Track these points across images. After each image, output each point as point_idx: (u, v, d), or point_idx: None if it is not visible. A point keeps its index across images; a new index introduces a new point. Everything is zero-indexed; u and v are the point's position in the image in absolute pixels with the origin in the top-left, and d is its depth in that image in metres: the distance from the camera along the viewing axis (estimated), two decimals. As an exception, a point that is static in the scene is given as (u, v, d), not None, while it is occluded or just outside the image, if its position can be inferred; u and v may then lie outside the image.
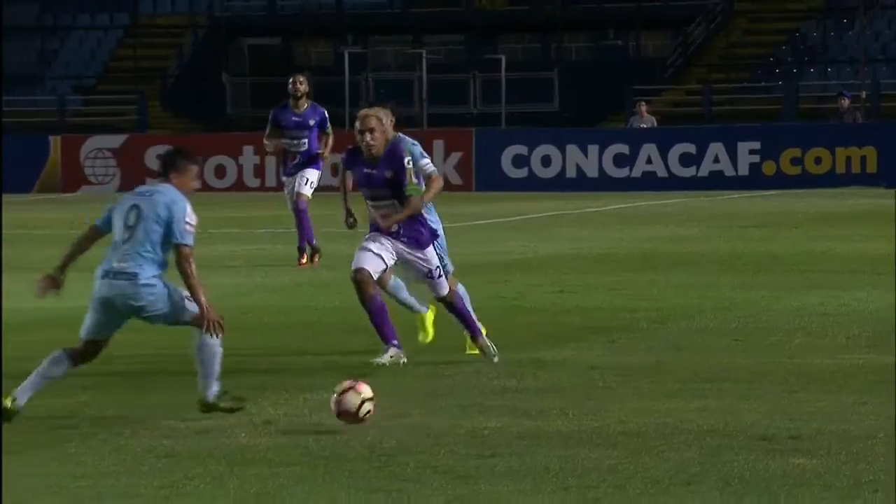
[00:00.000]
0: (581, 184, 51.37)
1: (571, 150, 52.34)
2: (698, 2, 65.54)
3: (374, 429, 13.72)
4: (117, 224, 12.18)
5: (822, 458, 11.65)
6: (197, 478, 10.68)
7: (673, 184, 50.48)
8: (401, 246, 16.30)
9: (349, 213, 17.33)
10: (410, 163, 16.27)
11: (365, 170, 16.36)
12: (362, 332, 17.40)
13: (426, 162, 17.12)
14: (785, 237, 32.98)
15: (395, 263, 16.47)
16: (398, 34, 68.73)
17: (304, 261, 25.73)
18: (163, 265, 12.19)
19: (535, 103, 61.86)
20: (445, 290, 16.49)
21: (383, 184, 16.28)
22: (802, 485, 10.81)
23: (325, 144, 26.46)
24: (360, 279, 16.15)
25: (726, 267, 26.37)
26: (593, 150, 52.34)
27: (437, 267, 16.38)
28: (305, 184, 25.77)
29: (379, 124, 16.09)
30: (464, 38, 68.65)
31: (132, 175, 48.70)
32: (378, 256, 16.22)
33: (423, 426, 14.20)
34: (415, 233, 16.36)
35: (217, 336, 12.07)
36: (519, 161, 52.53)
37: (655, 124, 53.45)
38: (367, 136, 16.10)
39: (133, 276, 12.09)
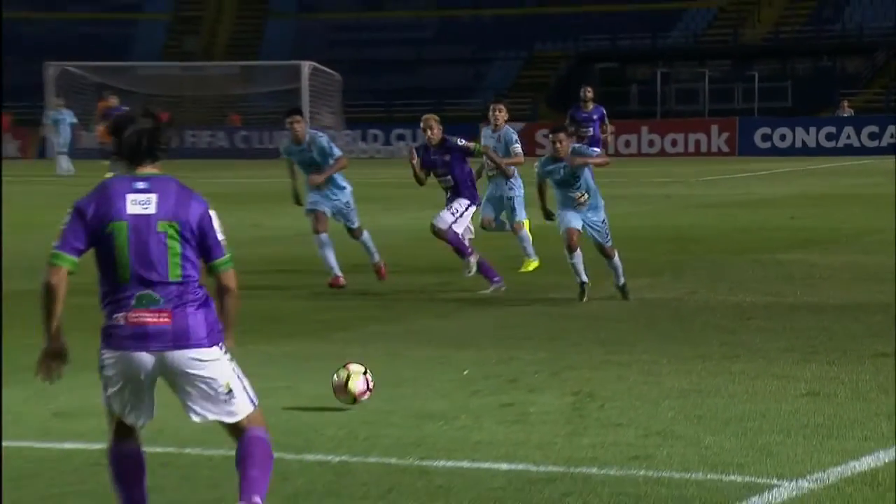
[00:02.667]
0: (805, 151, 54.05)
1: (799, 130, 55.44)
2: (881, 38, 64.53)
3: (677, 302, 14.94)
4: None
5: None
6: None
7: (863, 151, 52.77)
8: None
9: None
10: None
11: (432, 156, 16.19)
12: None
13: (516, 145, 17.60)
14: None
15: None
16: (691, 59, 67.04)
17: None
18: None
19: (776, 101, 62.54)
20: (443, 225, 15.93)
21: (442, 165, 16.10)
22: None
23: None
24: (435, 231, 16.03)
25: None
26: (812, 130, 55.32)
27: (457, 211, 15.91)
28: None
29: (437, 124, 16.06)
30: (730, 62, 67.24)
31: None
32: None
33: (705, 300, 15.21)
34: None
35: None
36: (765, 137, 55.62)
37: (853, 114, 56.08)
38: (428, 132, 16.11)
39: None
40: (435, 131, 15.89)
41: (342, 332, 13.32)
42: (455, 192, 16.01)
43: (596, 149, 16.07)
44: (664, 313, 14.21)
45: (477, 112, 58.35)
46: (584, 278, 14.75)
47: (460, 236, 16.09)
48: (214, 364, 6.65)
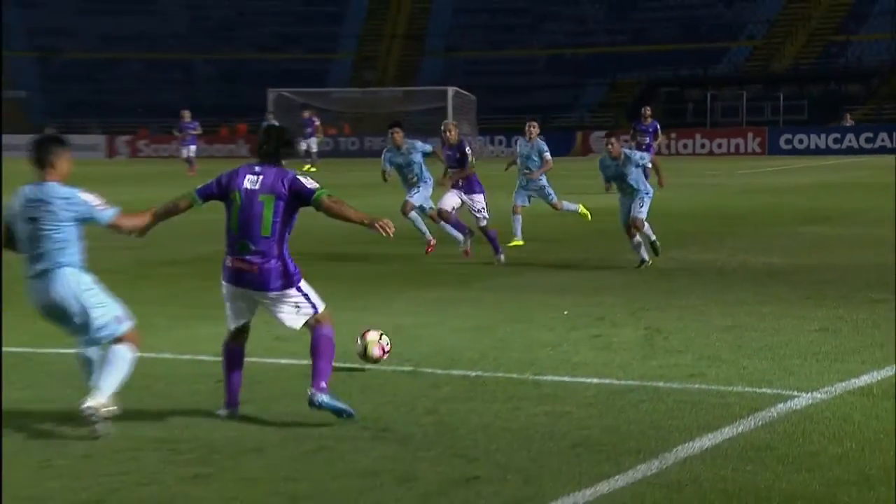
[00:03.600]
0: (817, 152, 51.63)
1: (813, 136, 53.26)
2: (875, 68, 60.85)
3: (721, 262, 15.25)
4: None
5: None
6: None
7: (862, 151, 50.50)
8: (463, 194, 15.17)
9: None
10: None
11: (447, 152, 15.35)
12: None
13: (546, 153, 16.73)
14: None
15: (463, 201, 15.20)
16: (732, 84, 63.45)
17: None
18: None
19: (796, 115, 58.69)
20: (483, 222, 14.95)
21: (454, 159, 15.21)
22: None
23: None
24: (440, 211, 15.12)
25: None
26: (823, 136, 53.11)
27: (482, 209, 14.97)
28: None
29: (455, 128, 15.40)
30: (762, 86, 63.02)
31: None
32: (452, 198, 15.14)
33: (742, 261, 15.50)
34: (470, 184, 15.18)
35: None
36: (787, 141, 53.18)
37: (854, 124, 53.65)
38: (446, 133, 15.31)
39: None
40: (453, 133, 15.18)
41: (477, 282, 13.30)
42: (469, 185, 15.14)
43: (645, 154, 15.49)
44: (711, 270, 14.03)
45: (574, 124, 60.27)
46: (645, 257, 14.07)
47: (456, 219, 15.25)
48: (286, 297, 6.98)
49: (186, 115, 40.53)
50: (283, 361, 8.65)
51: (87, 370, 6.86)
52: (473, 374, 8.32)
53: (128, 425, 6.89)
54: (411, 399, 7.54)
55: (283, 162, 7.24)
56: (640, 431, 6.75)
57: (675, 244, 16.17)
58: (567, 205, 17.73)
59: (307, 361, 7.17)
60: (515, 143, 17.88)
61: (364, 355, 8.45)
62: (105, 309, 6.79)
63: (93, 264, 6.97)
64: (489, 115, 59.37)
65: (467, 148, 15.28)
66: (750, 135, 55.47)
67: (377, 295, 11.94)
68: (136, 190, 27.74)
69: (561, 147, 53.63)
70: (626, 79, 65.98)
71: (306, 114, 45.64)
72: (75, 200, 6.75)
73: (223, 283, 7.09)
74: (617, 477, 5.84)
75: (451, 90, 55.52)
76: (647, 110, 28.14)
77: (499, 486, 5.68)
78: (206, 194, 7.17)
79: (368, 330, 8.55)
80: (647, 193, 14.21)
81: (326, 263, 14.23)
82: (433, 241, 15.69)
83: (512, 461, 6.11)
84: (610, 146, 14.42)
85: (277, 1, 74.20)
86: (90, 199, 6.80)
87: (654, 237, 14.40)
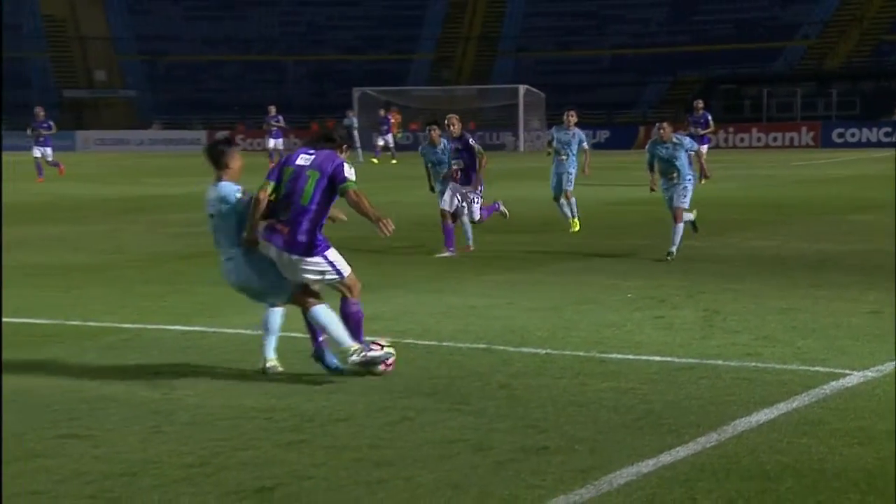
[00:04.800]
0: (868, 145, 50.48)
1: (864, 130, 52.10)
2: None
3: (776, 248, 15.64)
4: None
5: None
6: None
7: None
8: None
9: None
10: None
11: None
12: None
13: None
14: None
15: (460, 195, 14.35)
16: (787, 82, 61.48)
17: None
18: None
19: (848, 110, 57.94)
20: (476, 216, 14.48)
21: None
22: None
23: None
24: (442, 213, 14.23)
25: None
26: (874, 130, 52.00)
27: (473, 201, 14.31)
28: None
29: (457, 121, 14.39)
30: (815, 83, 61.12)
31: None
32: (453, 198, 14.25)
33: (796, 247, 15.79)
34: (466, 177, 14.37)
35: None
36: (840, 135, 52.12)
37: None
38: (450, 127, 14.39)
39: None
40: (455, 126, 14.27)
41: (543, 266, 13.23)
42: (465, 176, 14.27)
43: (694, 142, 14.95)
44: (767, 256, 13.78)
45: (637, 119, 59.39)
46: (673, 250, 13.37)
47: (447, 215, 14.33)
48: (312, 262, 7.29)
49: (272, 109, 40.89)
50: (369, 339, 8.73)
51: (303, 329, 7.59)
52: (543, 351, 8.29)
53: (228, 395, 7.00)
54: (486, 374, 7.54)
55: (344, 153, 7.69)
56: (700, 406, 6.67)
57: (733, 231, 15.95)
58: (573, 203, 16.78)
59: (408, 340, 7.47)
60: (552, 131, 17.39)
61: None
62: (277, 279, 7.43)
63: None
64: (557, 111, 59.86)
65: (471, 140, 14.47)
66: (804, 129, 54.32)
67: (451, 278, 11.91)
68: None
69: (624, 140, 53.23)
70: (687, 76, 65.09)
71: (383, 112, 45.97)
72: (239, 198, 7.48)
73: (260, 241, 7.38)
74: (678, 448, 5.80)
75: (522, 88, 55.44)
76: (699, 103, 27.80)
77: (567, 455, 5.67)
78: (274, 176, 7.50)
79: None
80: (689, 180, 13.81)
81: (402, 250, 14.31)
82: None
83: (579, 433, 6.10)
84: (661, 130, 14.00)
85: (362, 6, 74.71)
86: (243, 198, 7.48)
87: (693, 217, 13.97)
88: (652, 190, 14.53)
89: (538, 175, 26.16)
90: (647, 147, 14.44)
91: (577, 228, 16.23)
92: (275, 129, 40.25)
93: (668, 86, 66.09)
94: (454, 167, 14.44)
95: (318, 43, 73.06)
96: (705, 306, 10.10)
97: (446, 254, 13.95)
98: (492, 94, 59.80)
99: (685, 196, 13.72)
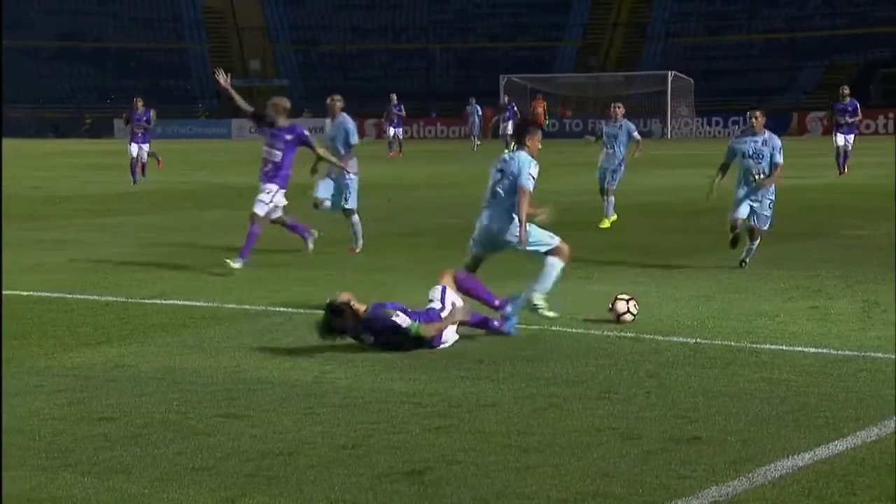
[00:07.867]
0: None
1: None
2: None
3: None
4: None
5: None
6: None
7: None
8: None
9: None
10: None
11: None
12: None
13: None
14: None
15: None
16: None
17: None
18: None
19: None
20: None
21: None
22: None
23: None
24: None
25: None
26: None
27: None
28: None
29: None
30: None
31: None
32: None
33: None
34: None
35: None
36: None
37: None
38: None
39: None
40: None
41: (691, 254, 12.94)
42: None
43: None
44: (929, 246, 13.33)
45: (790, 105, 57.71)
46: (747, 259, 11.58)
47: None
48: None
49: (394, 97, 40.41)
50: (518, 325, 8.69)
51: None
52: (693, 341, 8.13)
53: (376, 379, 7.08)
54: (634, 363, 7.46)
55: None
56: (859, 399, 6.46)
57: (891, 220, 15.53)
58: (612, 201, 16.24)
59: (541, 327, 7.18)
60: (598, 124, 17.08)
61: (611, 310, 8.69)
62: (541, 235, 8.72)
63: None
64: (706, 97, 58.14)
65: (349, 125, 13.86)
66: (967, 114, 52.43)
67: (598, 266, 11.78)
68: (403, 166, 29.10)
69: (778, 127, 51.91)
70: (843, 60, 63.13)
71: (506, 99, 45.94)
72: (524, 168, 8.59)
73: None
74: (836, 442, 5.63)
75: (670, 74, 55.45)
76: (846, 89, 26.04)
77: (718, 447, 5.54)
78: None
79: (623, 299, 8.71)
80: (772, 192, 11.52)
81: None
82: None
83: (731, 424, 5.95)
84: (754, 119, 11.56)
85: (508, -6, 75.13)
86: (532, 172, 8.59)
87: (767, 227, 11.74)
88: (707, 199, 11.97)
89: (685, 163, 26.25)
90: (731, 141, 11.97)
91: (607, 225, 15.80)
92: (396, 117, 39.90)
93: (824, 70, 64.31)
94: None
95: (466, 31, 73.73)
96: (864, 297, 9.81)
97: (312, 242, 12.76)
98: (638, 81, 59.39)
99: (770, 209, 11.55)
